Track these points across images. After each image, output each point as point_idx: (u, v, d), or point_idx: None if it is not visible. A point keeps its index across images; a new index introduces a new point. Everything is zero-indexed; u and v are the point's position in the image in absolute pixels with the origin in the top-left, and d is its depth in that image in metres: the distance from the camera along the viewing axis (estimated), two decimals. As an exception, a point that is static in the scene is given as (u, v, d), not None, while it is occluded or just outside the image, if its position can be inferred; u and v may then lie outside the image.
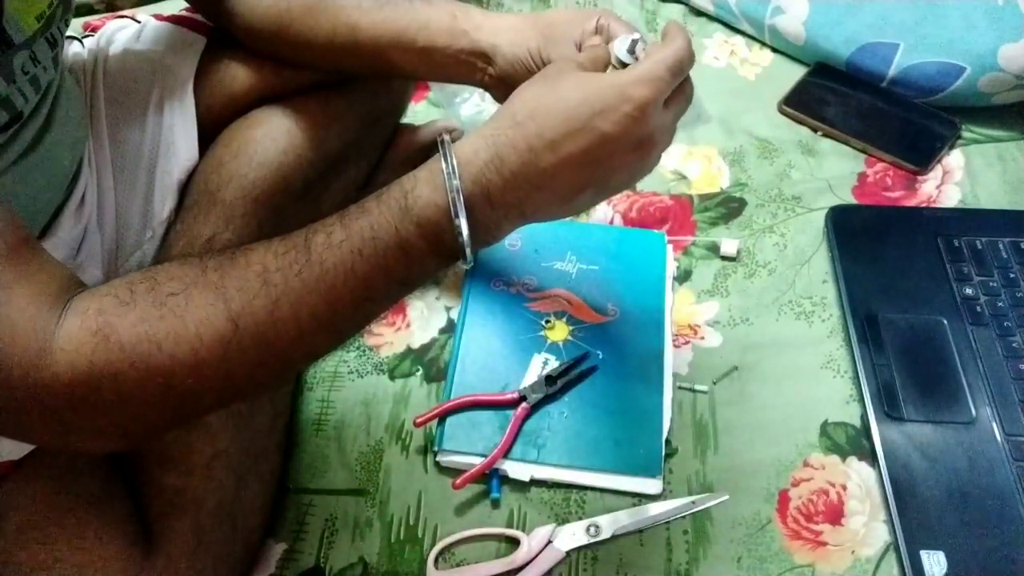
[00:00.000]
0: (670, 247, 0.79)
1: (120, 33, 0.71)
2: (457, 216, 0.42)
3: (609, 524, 0.63)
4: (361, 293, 0.43)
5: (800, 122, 0.92)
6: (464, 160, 0.43)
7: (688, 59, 0.45)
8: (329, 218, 0.44)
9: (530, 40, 0.56)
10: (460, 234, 0.43)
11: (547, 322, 0.73)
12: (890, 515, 0.62)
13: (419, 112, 0.94)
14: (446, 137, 0.44)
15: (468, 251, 0.43)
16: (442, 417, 0.67)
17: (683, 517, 0.64)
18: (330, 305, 0.43)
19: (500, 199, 0.43)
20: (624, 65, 0.48)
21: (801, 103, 0.92)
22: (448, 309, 0.77)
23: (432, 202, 0.43)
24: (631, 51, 0.49)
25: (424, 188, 0.43)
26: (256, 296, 0.42)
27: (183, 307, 0.42)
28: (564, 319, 0.74)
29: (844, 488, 0.65)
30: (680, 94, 0.46)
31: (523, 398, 0.67)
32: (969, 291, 0.73)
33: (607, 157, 0.43)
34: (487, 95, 0.90)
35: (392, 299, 0.46)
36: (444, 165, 0.43)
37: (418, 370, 0.73)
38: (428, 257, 0.44)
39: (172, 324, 0.41)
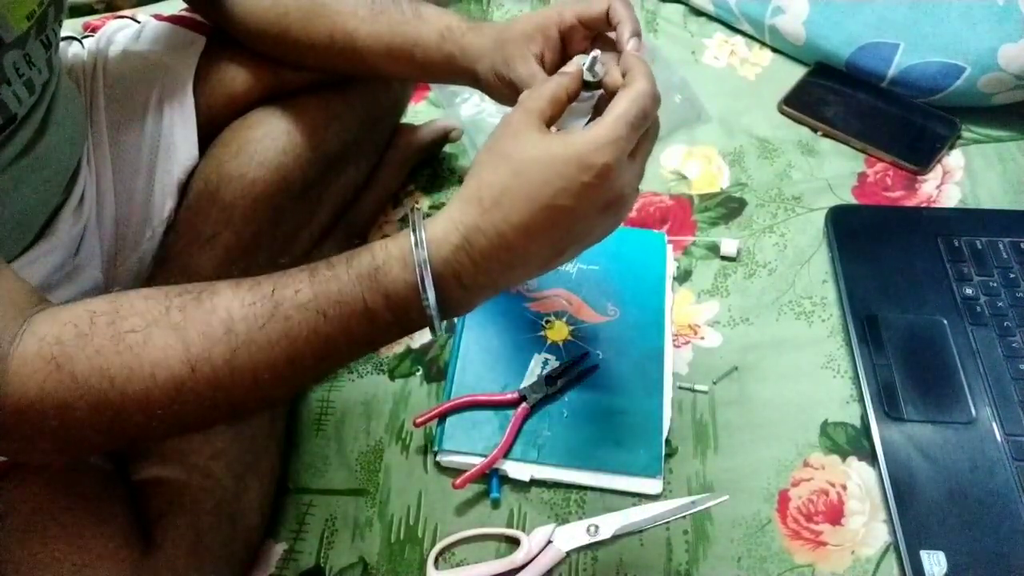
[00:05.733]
0: (670, 247, 0.79)
1: (120, 33, 0.71)
2: (426, 297, 0.42)
3: (609, 524, 0.63)
4: (321, 352, 0.43)
5: (800, 122, 0.92)
6: (434, 242, 0.42)
7: (652, 104, 0.43)
8: (299, 272, 0.43)
9: (497, 65, 0.57)
10: (430, 313, 0.43)
11: (547, 322, 0.73)
12: (890, 515, 0.62)
13: (419, 112, 0.94)
14: (416, 216, 0.43)
15: (437, 325, 0.43)
16: (442, 417, 0.67)
17: (683, 517, 0.64)
18: (290, 360, 0.42)
19: (472, 281, 0.43)
20: (588, 84, 0.48)
21: (801, 103, 0.92)
22: (448, 309, 0.77)
23: (401, 279, 0.42)
24: (591, 69, 0.48)
25: (395, 265, 0.42)
26: (217, 343, 0.42)
27: (141, 345, 0.41)
28: (564, 319, 0.74)
29: (844, 488, 0.65)
30: (646, 140, 0.45)
31: (523, 398, 0.67)
32: (969, 291, 0.73)
33: (577, 224, 0.43)
34: (487, 96, 0.90)
35: (353, 358, 0.46)
36: (414, 247, 0.42)
37: (418, 370, 0.73)
38: (393, 327, 0.44)
39: (127, 360, 0.41)
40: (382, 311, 0.43)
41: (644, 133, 0.44)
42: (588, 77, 0.48)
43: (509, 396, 0.68)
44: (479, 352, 0.71)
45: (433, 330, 0.44)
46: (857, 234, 0.79)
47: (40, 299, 0.44)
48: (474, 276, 0.43)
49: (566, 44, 0.56)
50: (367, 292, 0.42)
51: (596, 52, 0.49)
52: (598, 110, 0.50)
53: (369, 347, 0.45)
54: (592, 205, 0.42)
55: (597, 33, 0.55)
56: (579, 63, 0.49)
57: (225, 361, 0.42)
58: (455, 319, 0.74)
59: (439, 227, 0.43)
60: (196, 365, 0.41)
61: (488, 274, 0.43)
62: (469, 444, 0.66)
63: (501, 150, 0.43)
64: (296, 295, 0.42)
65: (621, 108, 0.42)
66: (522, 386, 0.68)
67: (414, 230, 0.42)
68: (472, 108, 0.92)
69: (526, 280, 0.46)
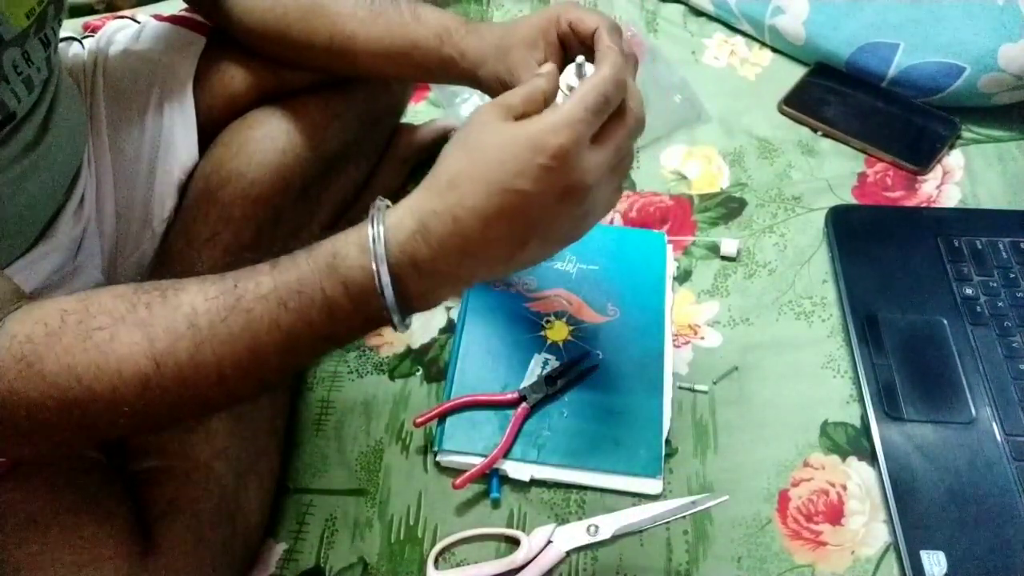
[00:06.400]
0: (670, 247, 0.79)
1: (120, 33, 0.71)
2: (380, 283, 0.41)
3: (609, 524, 0.62)
4: (284, 345, 0.43)
5: (800, 122, 0.92)
6: (392, 228, 0.42)
7: (614, 89, 0.42)
8: (262, 265, 0.43)
9: (500, 73, 0.56)
10: (385, 298, 0.42)
11: (547, 322, 0.73)
12: (890, 515, 0.62)
13: (419, 112, 0.94)
14: (380, 202, 0.43)
15: (396, 318, 0.43)
16: (442, 417, 0.67)
17: (683, 517, 0.64)
18: (253, 354, 0.42)
19: (430, 268, 0.42)
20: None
21: (801, 103, 0.92)
22: (448, 309, 0.77)
23: (358, 265, 0.42)
24: (579, 76, 0.48)
25: (352, 250, 0.42)
26: (180, 338, 0.42)
27: (107, 343, 0.41)
28: (564, 319, 0.73)
29: (844, 488, 0.65)
30: (616, 125, 0.43)
31: (523, 398, 0.67)
32: (969, 291, 0.73)
33: (535, 212, 0.41)
34: (487, 96, 0.91)
35: (318, 353, 0.46)
36: (371, 232, 0.42)
37: (418, 370, 0.73)
38: (354, 317, 0.43)
39: (94, 358, 0.41)
40: (341, 300, 0.42)
41: (616, 121, 0.43)
42: (575, 84, 0.48)
43: (509, 396, 0.68)
44: (479, 352, 0.71)
45: (392, 323, 0.43)
46: (857, 234, 0.79)
47: (18, 296, 0.45)
48: (431, 263, 0.42)
49: (565, 48, 0.56)
50: (325, 280, 0.42)
51: (581, 58, 0.48)
52: None
53: (332, 340, 0.44)
54: (549, 190, 0.41)
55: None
56: (565, 73, 0.49)
57: (189, 356, 0.42)
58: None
59: (397, 213, 0.42)
60: (161, 360, 0.41)
61: (446, 261, 0.42)
62: (469, 444, 0.66)
63: (463, 138, 0.43)
64: (257, 287, 0.42)
65: (581, 92, 0.42)
66: (522, 386, 0.68)
67: (372, 220, 0.42)
68: (472, 108, 0.92)
69: (495, 275, 0.44)
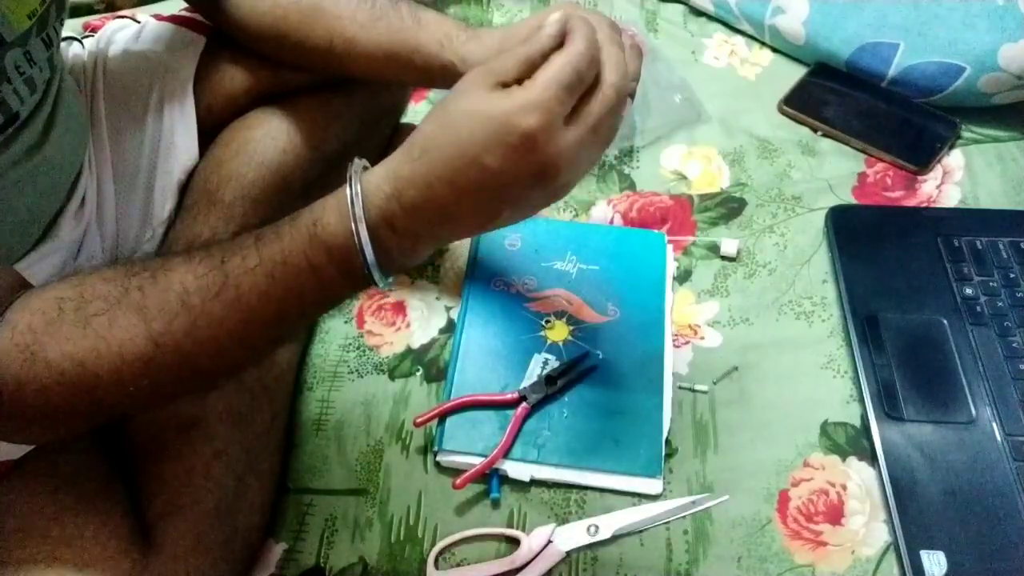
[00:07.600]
0: (670, 247, 0.79)
1: (120, 33, 0.71)
2: (361, 244, 0.43)
3: (609, 524, 0.63)
4: (275, 315, 0.44)
5: (800, 122, 0.92)
6: (369, 191, 0.43)
7: (587, 65, 0.40)
8: (246, 238, 0.44)
9: None
10: (366, 260, 0.43)
11: (547, 322, 0.73)
12: (890, 515, 0.62)
13: (419, 112, 0.94)
14: (356, 167, 0.44)
15: (377, 275, 0.44)
16: (442, 417, 0.67)
17: (683, 517, 0.64)
18: (246, 325, 0.44)
19: (405, 228, 0.43)
20: None
21: (801, 103, 0.92)
22: (448, 309, 0.77)
23: (339, 230, 0.43)
24: None
25: (331, 216, 0.43)
26: (176, 317, 0.43)
27: (106, 327, 0.43)
28: (564, 319, 0.73)
29: (844, 488, 0.65)
30: (592, 101, 0.42)
31: (523, 398, 0.67)
32: (969, 291, 0.73)
33: (504, 189, 0.41)
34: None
35: (308, 318, 0.48)
36: (349, 194, 0.43)
37: (418, 370, 0.73)
38: (339, 280, 0.44)
39: (95, 344, 0.43)
40: (326, 265, 0.43)
41: (591, 96, 0.42)
42: None
43: (509, 396, 0.68)
44: (479, 352, 0.71)
45: (374, 281, 0.44)
46: (857, 234, 0.79)
47: (18, 285, 0.46)
48: (407, 225, 0.43)
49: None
50: (309, 248, 0.43)
51: None
52: None
53: (320, 305, 0.46)
54: (520, 170, 0.40)
55: None
56: None
57: (186, 333, 0.43)
58: (464, 309, 0.74)
59: (374, 178, 0.43)
60: (160, 340, 0.43)
61: (421, 224, 0.43)
62: (469, 444, 0.66)
63: (445, 103, 0.42)
64: (244, 261, 0.44)
65: (552, 70, 0.40)
66: (522, 386, 0.68)
67: (350, 181, 0.43)
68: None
69: (470, 235, 0.45)
